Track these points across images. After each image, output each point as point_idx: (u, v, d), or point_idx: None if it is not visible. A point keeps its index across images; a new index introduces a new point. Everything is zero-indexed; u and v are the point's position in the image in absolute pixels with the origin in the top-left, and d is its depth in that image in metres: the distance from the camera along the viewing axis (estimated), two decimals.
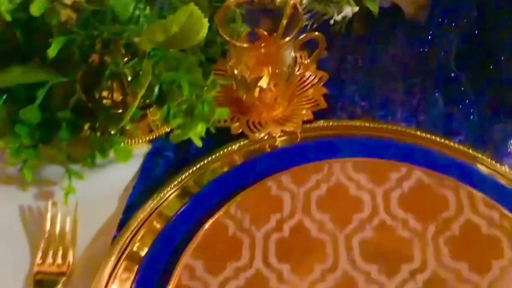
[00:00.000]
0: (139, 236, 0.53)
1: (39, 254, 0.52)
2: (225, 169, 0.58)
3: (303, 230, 0.51)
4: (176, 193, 0.56)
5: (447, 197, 0.52)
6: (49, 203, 0.55)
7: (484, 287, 0.47)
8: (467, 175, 0.54)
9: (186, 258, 0.50)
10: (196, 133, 0.55)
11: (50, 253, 0.52)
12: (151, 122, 0.62)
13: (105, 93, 0.57)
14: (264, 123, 0.61)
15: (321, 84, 0.65)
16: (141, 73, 0.52)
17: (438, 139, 0.58)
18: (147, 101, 0.57)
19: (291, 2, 0.58)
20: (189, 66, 0.54)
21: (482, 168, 0.56)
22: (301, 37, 0.61)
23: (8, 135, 0.54)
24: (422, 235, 0.50)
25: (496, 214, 0.51)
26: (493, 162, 0.56)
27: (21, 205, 0.57)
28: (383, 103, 0.63)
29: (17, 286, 0.52)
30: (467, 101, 0.62)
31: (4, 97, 0.54)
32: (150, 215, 0.54)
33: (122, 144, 0.58)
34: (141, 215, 0.54)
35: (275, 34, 0.60)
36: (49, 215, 0.55)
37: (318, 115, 0.62)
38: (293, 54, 0.60)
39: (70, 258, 0.52)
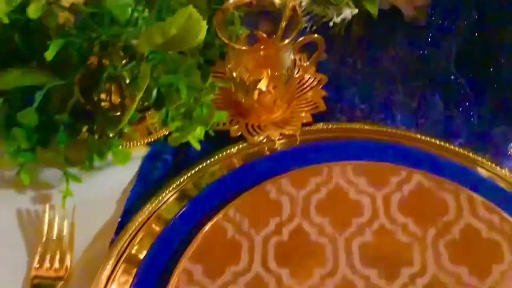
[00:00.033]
0: (137, 239, 0.53)
1: (37, 258, 0.52)
2: (224, 172, 0.58)
3: (303, 234, 0.51)
4: (174, 196, 0.56)
5: (447, 200, 0.52)
6: (47, 207, 0.55)
7: None
8: (467, 178, 0.54)
9: (184, 262, 0.49)
10: (195, 136, 0.55)
11: (48, 257, 0.52)
12: (150, 124, 0.62)
13: (103, 96, 0.57)
14: (263, 126, 0.61)
15: (321, 86, 0.64)
16: (139, 75, 0.52)
17: (438, 142, 0.58)
18: (146, 103, 0.57)
19: (290, 5, 0.58)
20: (188, 68, 0.54)
21: (482, 171, 0.56)
22: (300, 39, 0.60)
23: (6, 138, 0.54)
24: (422, 239, 0.50)
25: (496, 218, 0.50)
26: (493, 165, 0.56)
27: (19, 209, 0.57)
28: (383, 106, 0.63)
29: None
30: (467, 104, 0.62)
31: (2, 100, 0.54)
32: (148, 218, 0.54)
33: (120, 147, 0.58)
34: (139, 218, 0.54)
35: (274, 36, 0.60)
36: (46, 219, 0.54)
37: (318, 117, 0.62)
38: (292, 56, 0.60)
39: (68, 262, 0.52)
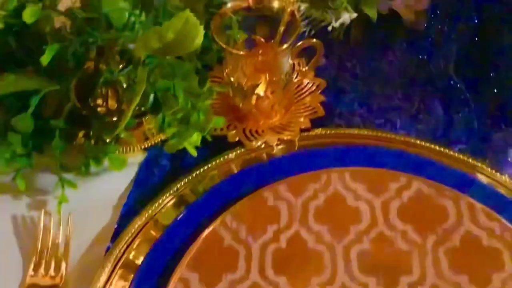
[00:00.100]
0: (135, 245, 0.52)
1: (32, 265, 0.51)
2: (222, 178, 0.57)
3: (300, 241, 0.50)
4: (172, 202, 0.56)
5: (447, 207, 0.51)
6: (42, 213, 0.55)
7: None
8: (466, 184, 0.54)
9: (181, 270, 0.49)
10: (191, 143, 0.54)
11: (43, 264, 0.52)
12: (147, 130, 0.61)
13: (99, 101, 0.57)
14: (261, 131, 0.60)
15: (319, 91, 0.64)
16: (136, 80, 0.52)
17: (437, 147, 0.58)
18: (142, 109, 0.56)
19: (289, 9, 0.58)
20: (185, 73, 0.53)
21: (482, 177, 0.55)
22: (299, 44, 0.60)
23: (1, 144, 0.53)
24: (421, 247, 0.49)
25: (496, 225, 0.50)
26: (493, 171, 0.55)
27: (14, 215, 0.56)
28: (382, 111, 0.63)
29: None
30: (466, 109, 0.62)
31: None
32: (146, 224, 0.54)
33: (117, 153, 0.57)
34: (137, 223, 0.54)
35: (272, 41, 0.59)
36: (42, 225, 0.54)
37: (316, 123, 0.61)
38: (290, 61, 0.59)
39: (63, 269, 0.51)
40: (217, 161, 0.58)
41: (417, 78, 0.65)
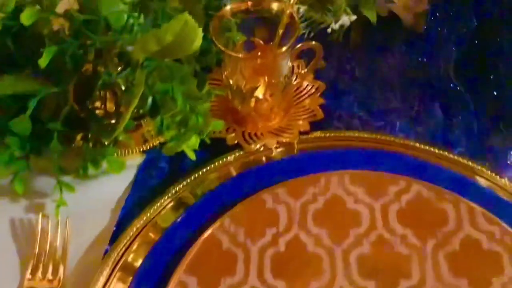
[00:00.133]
0: (133, 247, 0.52)
1: (29, 269, 0.51)
2: (221, 180, 0.57)
3: (299, 245, 0.50)
4: (171, 204, 0.55)
5: (447, 211, 0.51)
6: (40, 216, 0.54)
7: None
8: (466, 188, 0.54)
9: (179, 274, 0.49)
10: (190, 146, 0.54)
11: (41, 267, 0.51)
12: (146, 132, 0.61)
13: (98, 104, 0.57)
14: (260, 134, 0.60)
15: (318, 94, 0.64)
16: (134, 83, 0.51)
17: (437, 150, 0.57)
18: (141, 111, 0.56)
19: (288, 11, 0.58)
20: (184, 76, 0.53)
21: (481, 181, 0.55)
22: (298, 46, 0.60)
23: None
24: (421, 251, 0.49)
25: (496, 229, 0.50)
26: (493, 174, 0.55)
27: (12, 218, 0.56)
28: (381, 114, 0.63)
29: None
30: (466, 112, 0.62)
31: None
32: (145, 226, 0.54)
33: (115, 155, 0.57)
34: (136, 226, 0.53)
35: (271, 43, 0.59)
36: (39, 229, 0.54)
37: (315, 126, 0.61)
38: (289, 63, 0.59)
39: (61, 272, 0.51)
40: (216, 163, 0.58)
41: (417, 81, 0.65)
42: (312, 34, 0.68)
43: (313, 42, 0.61)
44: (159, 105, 0.53)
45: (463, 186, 0.54)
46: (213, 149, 0.58)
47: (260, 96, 0.59)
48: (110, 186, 0.58)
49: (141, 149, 0.60)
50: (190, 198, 0.56)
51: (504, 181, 0.55)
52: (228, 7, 0.58)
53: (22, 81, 0.53)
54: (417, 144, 0.58)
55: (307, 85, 0.65)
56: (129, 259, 0.51)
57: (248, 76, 0.58)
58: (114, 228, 0.55)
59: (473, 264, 0.48)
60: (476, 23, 0.65)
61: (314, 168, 0.55)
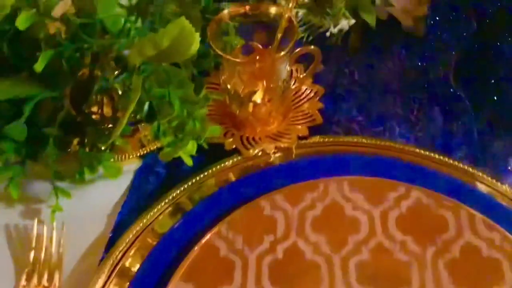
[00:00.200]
0: (131, 252, 0.52)
1: (24, 276, 0.51)
2: (219, 186, 0.57)
3: (298, 252, 0.50)
4: (168, 210, 0.55)
5: (447, 218, 0.51)
6: (35, 222, 0.54)
7: None
8: (466, 194, 0.53)
9: (175, 281, 0.48)
10: (186, 152, 0.54)
11: (36, 274, 0.51)
12: (143, 137, 0.61)
13: (94, 108, 0.56)
14: (258, 139, 0.60)
15: (317, 98, 0.63)
16: (131, 87, 0.51)
17: (436, 156, 0.57)
18: (138, 116, 0.56)
19: (286, 15, 0.57)
20: (181, 81, 0.53)
21: (481, 187, 0.55)
22: (297, 50, 0.60)
23: None
24: (420, 258, 0.49)
25: (497, 236, 0.49)
26: (493, 180, 0.55)
27: (7, 224, 0.56)
28: (381, 118, 0.62)
29: None
30: (466, 117, 0.61)
31: None
32: (142, 231, 0.53)
33: (112, 160, 0.57)
34: (133, 231, 0.53)
35: (269, 47, 0.59)
36: (34, 235, 0.53)
37: (314, 130, 0.61)
38: (288, 67, 0.59)
39: (57, 279, 0.51)
40: (214, 169, 0.58)
41: (416, 85, 0.65)
42: (310, 38, 0.68)
43: (312, 47, 0.61)
44: (156, 110, 0.52)
45: (463, 192, 0.53)
46: (210, 154, 0.58)
47: (258, 101, 0.58)
48: (107, 192, 0.58)
49: (138, 154, 0.60)
50: (187, 204, 0.56)
51: (505, 187, 0.54)
52: (226, 11, 0.58)
53: (18, 86, 0.52)
54: (417, 150, 0.58)
55: (306, 89, 0.64)
56: (127, 264, 0.51)
57: (246, 80, 0.58)
58: (110, 234, 0.54)
59: (473, 271, 0.48)
60: (476, 27, 0.65)
61: (312, 174, 0.55)
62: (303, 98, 0.64)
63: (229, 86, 0.58)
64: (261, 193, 0.54)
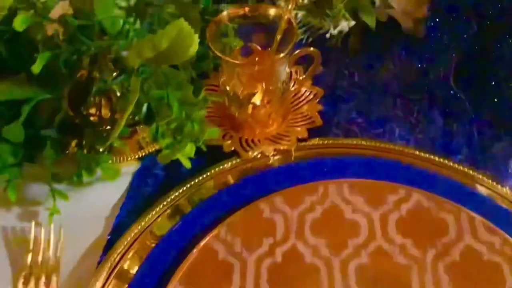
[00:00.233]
0: (129, 255, 0.52)
1: (21, 279, 0.51)
2: (218, 188, 0.57)
3: (297, 255, 0.50)
4: (167, 212, 0.55)
5: (447, 221, 0.51)
6: (33, 224, 0.54)
7: None
8: (466, 197, 0.53)
9: (174, 283, 0.48)
10: (185, 154, 0.53)
11: (33, 277, 0.51)
12: (141, 139, 0.61)
13: (92, 110, 0.56)
14: (257, 141, 0.60)
15: (317, 100, 0.63)
16: (129, 89, 0.51)
17: (437, 158, 0.57)
18: (136, 118, 0.55)
19: (286, 17, 0.57)
20: (179, 82, 0.53)
21: (482, 190, 0.55)
22: (296, 52, 0.60)
23: None
24: (420, 261, 0.49)
25: (497, 239, 0.49)
26: (494, 183, 0.55)
27: (4, 226, 0.56)
28: (380, 120, 0.62)
29: None
30: (466, 119, 0.61)
31: None
32: (141, 234, 0.53)
33: (110, 162, 0.56)
34: (132, 233, 0.53)
35: (269, 49, 0.59)
36: (32, 237, 0.53)
37: (313, 132, 0.60)
38: (287, 69, 0.59)
39: (54, 283, 0.50)
40: (213, 171, 0.58)
41: (416, 87, 0.65)
42: (310, 40, 0.68)
43: (311, 48, 0.61)
44: (155, 112, 0.52)
45: (463, 195, 0.53)
46: (209, 156, 0.58)
47: (258, 103, 0.58)
48: (105, 194, 0.57)
49: (136, 156, 0.60)
50: (186, 206, 0.55)
51: (505, 190, 0.54)
52: (225, 13, 0.58)
53: (16, 87, 0.52)
54: (417, 152, 0.57)
55: (305, 91, 0.64)
56: (125, 267, 0.51)
57: (245, 82, 0.57)
58: (109, 237, 0.54)
59: (473, 275, 0.48)
60: (476, 28, 0.65)
61: (312, 176, 0.55)
62: (303, 100, 0.63)
63: (228, 88, 0.58)
64: (260, 195, 0.54)
